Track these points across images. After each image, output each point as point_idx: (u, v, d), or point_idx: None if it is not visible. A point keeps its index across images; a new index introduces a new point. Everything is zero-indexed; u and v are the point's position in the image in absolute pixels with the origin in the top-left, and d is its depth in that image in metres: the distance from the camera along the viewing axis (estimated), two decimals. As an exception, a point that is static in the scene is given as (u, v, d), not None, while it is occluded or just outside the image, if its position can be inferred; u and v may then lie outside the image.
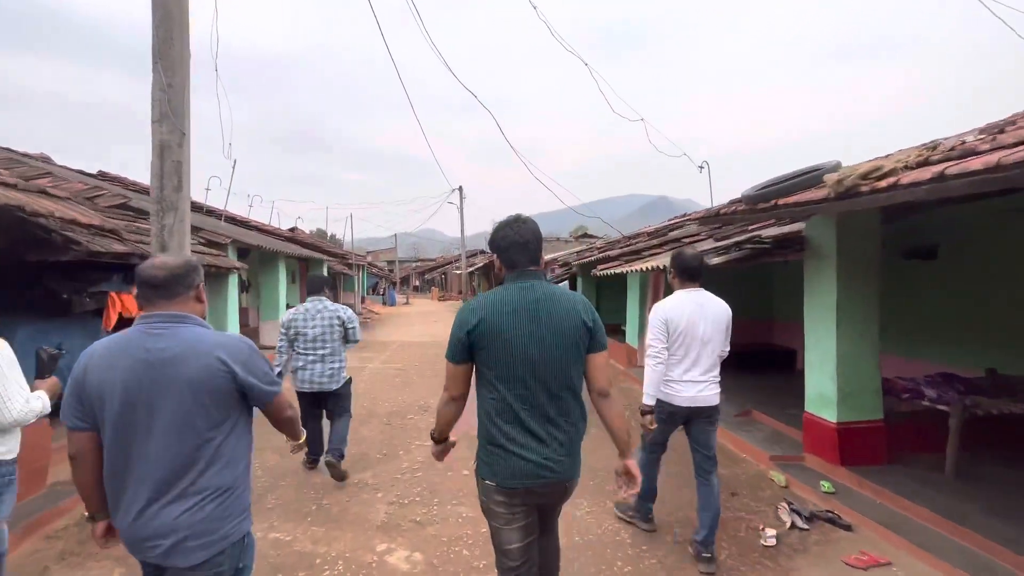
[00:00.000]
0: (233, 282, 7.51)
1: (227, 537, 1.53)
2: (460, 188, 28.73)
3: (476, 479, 1.95)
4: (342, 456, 4.22)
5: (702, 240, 8.20)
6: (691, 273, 3.05)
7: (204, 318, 1.66)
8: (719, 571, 2.95)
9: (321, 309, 4.23)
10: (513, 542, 1.88)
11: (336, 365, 4.23)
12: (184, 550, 1.47)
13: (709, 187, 9.92)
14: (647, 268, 6.84)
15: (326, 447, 4.24)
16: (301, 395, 4.23)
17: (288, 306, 13.31)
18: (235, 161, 10.58)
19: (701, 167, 9.73)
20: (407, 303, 31.91)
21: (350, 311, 4.45)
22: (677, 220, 11.28)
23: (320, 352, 4.17)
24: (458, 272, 34.54)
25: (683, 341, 2.94)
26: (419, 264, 58.54)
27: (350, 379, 4.46)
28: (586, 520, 3.62)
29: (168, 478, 1.47)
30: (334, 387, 4.23)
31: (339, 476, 4.16)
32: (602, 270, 8.76)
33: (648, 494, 3.32)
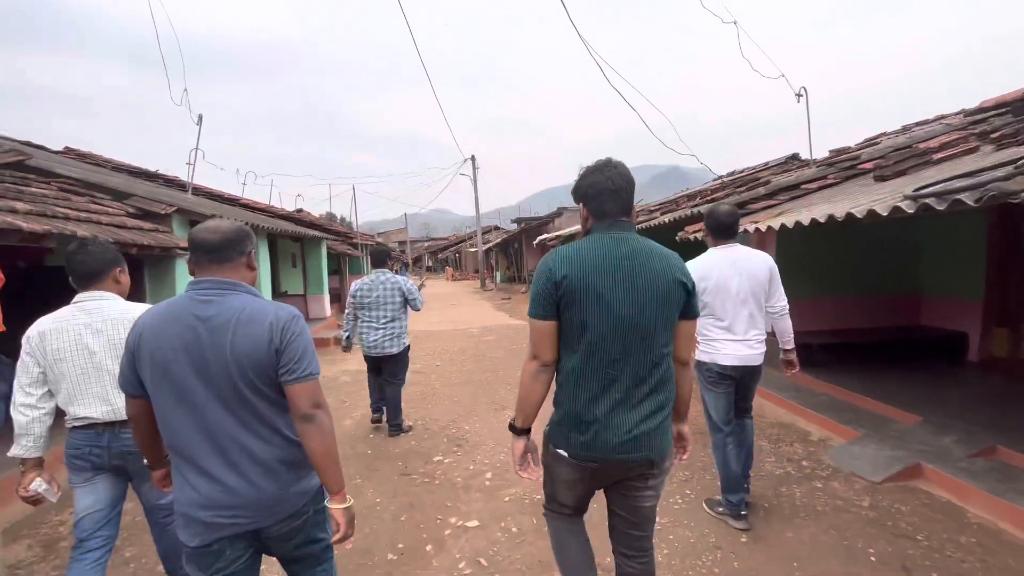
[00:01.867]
0: (180, 268, 5.48)
1: (304, 495, 1.55)
2: (472, 157, 26.42)
3: (544, 443, 1.77)
4: (401, 427, 4.68)
5: (835, 183, 6.04)
6: (723, 231, 2.91)
7: (255, 286, 1.59)
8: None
9: (384, 281, 4.59)
10: (568, 501, 1.80)
11: (397, 330, 4.60)
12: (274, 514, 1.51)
13: (807, 117, 7.68)
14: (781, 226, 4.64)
15: (385, 416, 4.79)
16: (367, 358, 4.72)
17: (285, 292, 11.55)
18: (200, 117, 8.67)
19: (799, 94, 7.51)
20: (422, 285, 30.01)
21: (410, 282, 4.77)
22: (791, 165, 8.99)
23: (383, 319, 4.55)
24: (473, 250, 32.61)
25: (716, 300, 2.83)
26: (431, 244, 56.61)
27: (408, 346, 4.77)
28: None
29: (222, 446, 1.45)
30: (395, 351, 4.58)
31: (403, 430, 4.69)
32: (694, 232, 6.42)
33: (731, 484, 2.91)
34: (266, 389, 1.46)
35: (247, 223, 7.32)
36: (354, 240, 15.21)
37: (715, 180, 13.38)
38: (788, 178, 6.98)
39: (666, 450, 1.68)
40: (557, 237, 16.99)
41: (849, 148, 9.03)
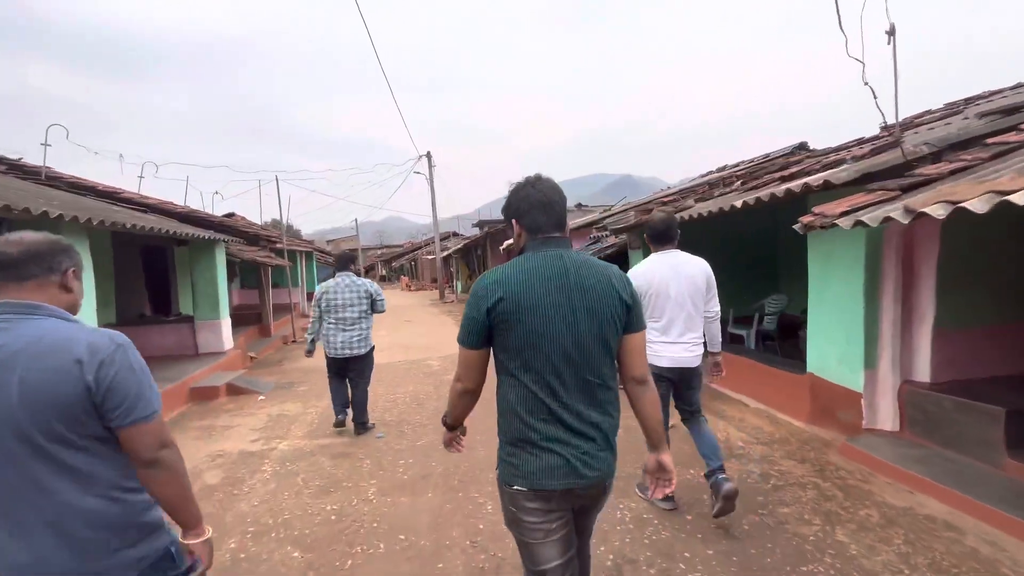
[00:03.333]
0: None
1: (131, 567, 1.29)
2: (428, 154, 23.62)
3: (500, 489, 1.65)
4: (366, 425, 4.88)
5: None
6: (661, 237, 2.99)
7: (74, 312, 1.33)
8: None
9: (349, 283, 4.70)
10: (553, 559, 1.59)
11: (363, 332, 4.73)
12: None
13: (894, 63, 5.39)
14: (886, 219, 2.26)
15: (350, 413, 4.89)
16: (330, 360, 4.78)
17: (179, 315, 8.38)
18: None
19: (889, 32, 5.34)
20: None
21: (375, 284, 4.99)
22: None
23: (350, 320, 4.66)
24: (430, 257, 29.81)
25: (656, 303, 2.92)
26: (384, 251, 53.13)
27: (373, 346, 4.89)
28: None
29: (4, 510, 1.20)
30: (361, 351, 4.72)
31: (367, 428, 4.90)
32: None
33: None
34: (77, 438, 1.21)
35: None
36: (278, 245, 12.07)
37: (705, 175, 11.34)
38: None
39: (614, 471, 1.64)
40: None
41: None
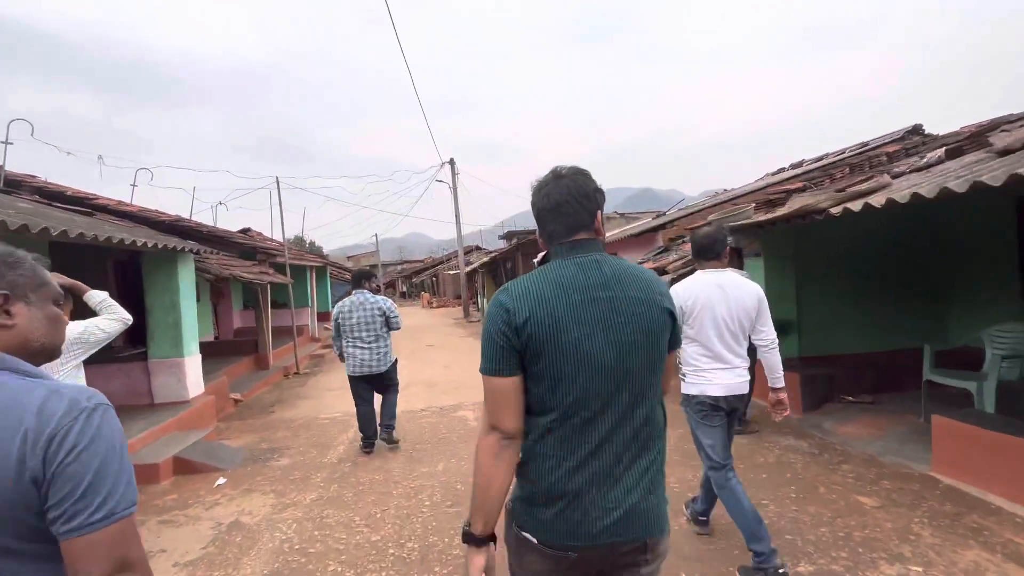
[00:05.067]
0: None
1: None
2: (452, 161, 21.86)
3: (507, 524, 1.32)
4: (392, 429, 4.87)
5: None
6: (705, 252, 2.74)
7: (28, 353, 0.94)
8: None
9: (363, 302, 4.70)
10: None
11: (382, 350, 4.72)
12: None
13: None
14: None
15: (378, 430, 4.87)
16: (353, 379, 4.77)
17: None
18: None
19: None
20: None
21: (390, 301, 4.88)
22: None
23: (367, 339, 4.66)
24: (453, 272, 27.91)
25: (702, 325, 2.66)
26: (405, 267, 51.58)
27: (396, 360, 4.94)
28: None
29: None
30: (382, 369, 4.73)
31: (393, 441, 4.86)
32: None
33: (753, 526, 2.57)
34: (27, 546, 0.83)
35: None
36: (279, 259, 10.15)
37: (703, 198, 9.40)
38: None
39: (664, 527, 1.30)
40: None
41: None
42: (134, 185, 14.85)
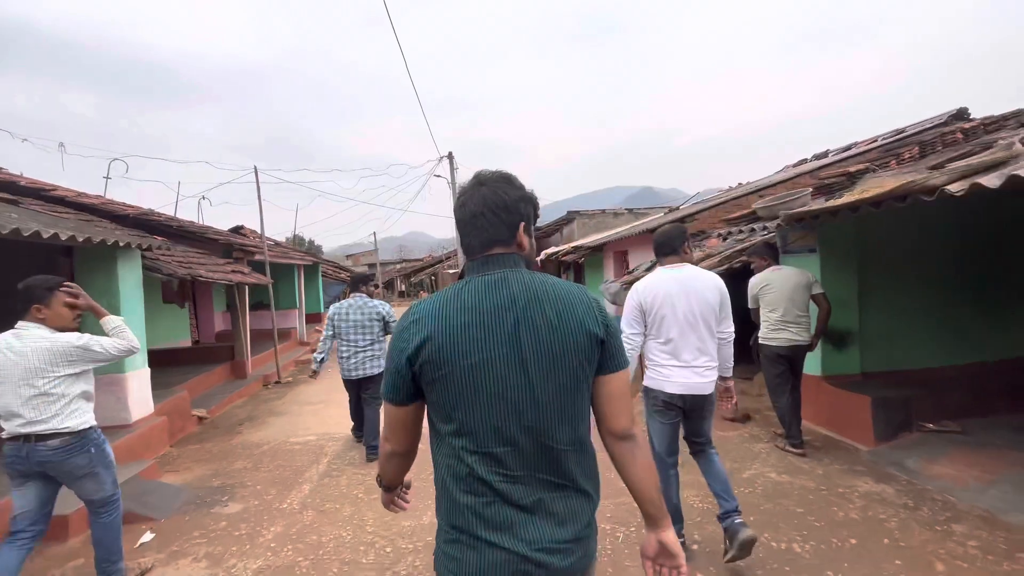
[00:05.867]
0: None
1: None
2: (450, 155, 20.96)
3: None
4: (376, 450, 4.57)
5: None
6: (663, 248, 2.76)
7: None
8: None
9: (360, 305, 4.65)
10: None
11: (377, 352, 4.65)
12: None
13: None
14: None
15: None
16: (347, 382, 4.76)
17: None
18: None
19: None
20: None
21: (388, 306, 4.78)
22: None
23: (361, 343, 4.61)
24: (452, 271, 27.16)
25: (662, 323, 2.64)
26: (404, 265, 50.74)
27: None
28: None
29: None
30: (375, 371, 4.64)
31: (376, 455, 4.55)
32: None
33: (674, 516, 2.71)
34: None
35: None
36: (257, 255, 9.21)
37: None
38: None
39: (591, 558, 1.22)
40: (576, 249, 12.27)
41: None
42: (107, 177, 13.94)
